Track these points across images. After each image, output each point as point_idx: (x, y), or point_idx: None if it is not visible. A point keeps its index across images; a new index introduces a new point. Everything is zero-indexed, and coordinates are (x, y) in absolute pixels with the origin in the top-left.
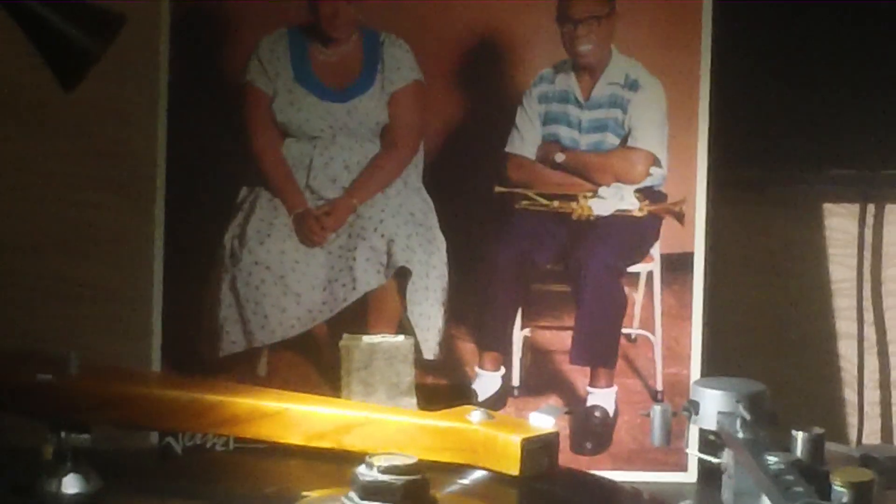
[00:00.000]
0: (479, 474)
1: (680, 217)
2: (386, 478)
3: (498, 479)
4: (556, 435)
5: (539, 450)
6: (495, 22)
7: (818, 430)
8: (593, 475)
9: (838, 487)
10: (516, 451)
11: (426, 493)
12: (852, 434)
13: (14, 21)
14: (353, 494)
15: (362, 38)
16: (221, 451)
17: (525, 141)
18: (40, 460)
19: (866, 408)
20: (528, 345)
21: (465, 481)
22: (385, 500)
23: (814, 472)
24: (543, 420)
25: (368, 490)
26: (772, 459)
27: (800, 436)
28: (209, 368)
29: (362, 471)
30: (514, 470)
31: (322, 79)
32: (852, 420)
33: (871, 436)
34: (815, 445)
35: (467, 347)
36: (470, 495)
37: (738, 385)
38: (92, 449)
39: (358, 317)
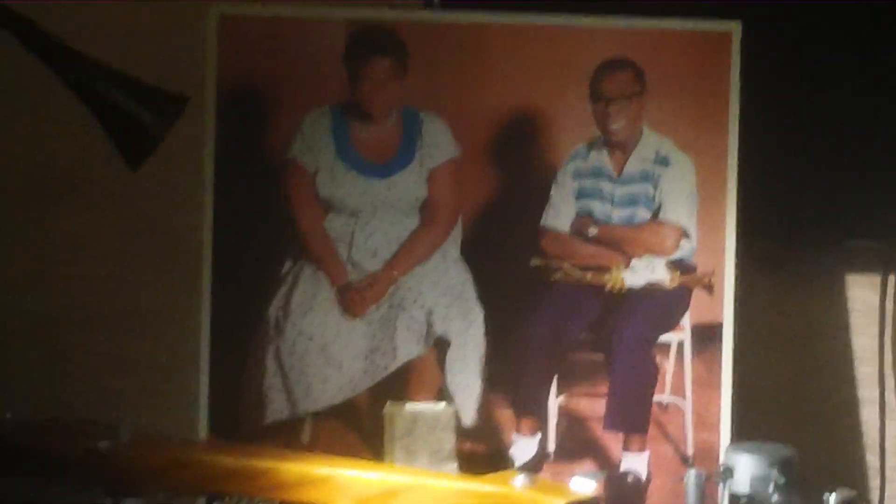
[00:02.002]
0: None
1: (709, 288)
2: None
3: None
4: (596, 499)
5: None
6: (530, 100)
7: (850, 492)
8: None
9: None
10: None
11: None
12: (874, 496)
13: (83, 103)
14: None
15: (402, 115)
16: None
17: (560, 215)
18: None
19: (888, 471)
20: (564, 412)
21: None
22: None
23: None
24: (584, 484)
25: None
26: None
27: (832, 498)
28: (254, 436)
29: None
30: None
31: (363, 155)
32: (874, 483)
33: (893, 499)
34: None
35: (504, 414)
36: None
37: (769, 449)
38: None
39: (399, 385)
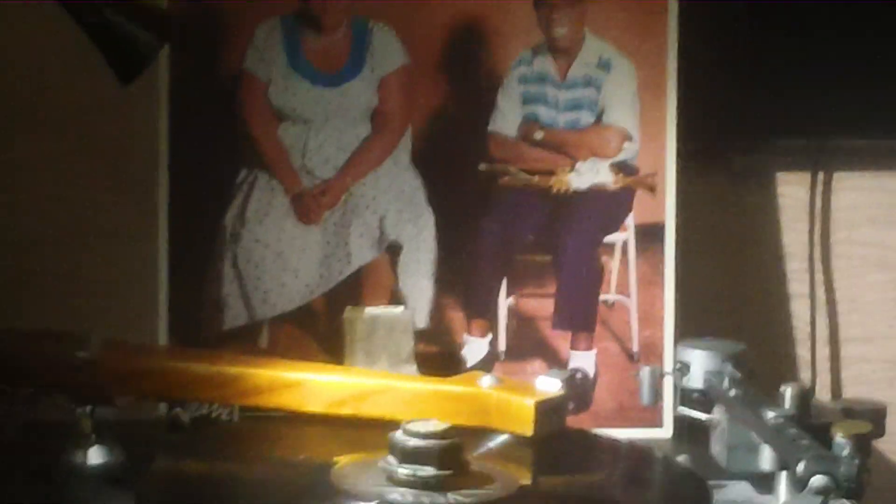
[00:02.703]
0: (501, 438)
1: (652, 189)
2: (425, 442)
3: (516, 441)
4: (563, 397)
5: (549, 411)
6: (477, 8)
7: (804, 385)
8: (597, 434)
9: (840, 439)
10: (530, 414)
11: (461, 456)
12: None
13: (73, 19)
14: (391, 459)
15: (352, 25)
16: (227, 420)
17: (506, 120)
18: (62, 434)
19: (818, 363)
20: (513, 312)
21: (490, 445)
22: (424, 464)
23: (809, 425)
24: (550, 384)
25: (408, 454)
26: (769, 415)
27: (788, 391)
28: (213, 342)
29: (400, 436)
30: (528, 431)
31: (315, 65)
32: (805, 375)
33: (823, 390)
34: (803, 400)
35: (456, 316)
36: (491, 457)
37: (721, 346)
38: (115, 421)
39: (353, 290)
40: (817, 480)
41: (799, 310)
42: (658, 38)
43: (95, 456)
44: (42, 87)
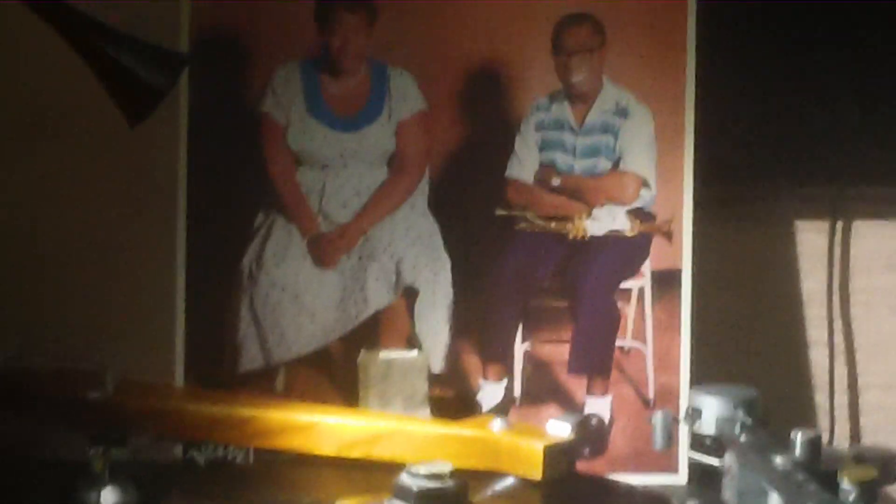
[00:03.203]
0: (508, 481)
1: (668, 235)
2: (429, 484)
3: (522, 484)
4: (573, 441)
5: (559, 455)
6: (494, 54)
7: (815, 432)
8: (607, 478)
9: (847, 485)
10: (539, 457)
11: (465, 498)
12: (825, 436)
13: (84, 61)
14: (395, 501)
15: (371, 70)
16: (242, 462)
17: (523, 166)
18: (77, 472)
19: (836, 410)
20: (529, 357)
21: (497, 487)
22: None
23: (816, 472)
24: (561, 428)
25: (412, 496)
26: (778, 460)
27: (798, 437)
28: (229, 384)
29: (405, 478)
30: (537, 474)
31: (333, 109)
32: (824, 423)
33: (842, 437)
34: (814, 446)
35: (472, 360)
36: (498, 499)
37: (733, 391)
38: (128, 461)
39: (370, 333)
40: None
41: (817, 356)
42: (676, 85)
43: (108, 496)
44: (65, 110)
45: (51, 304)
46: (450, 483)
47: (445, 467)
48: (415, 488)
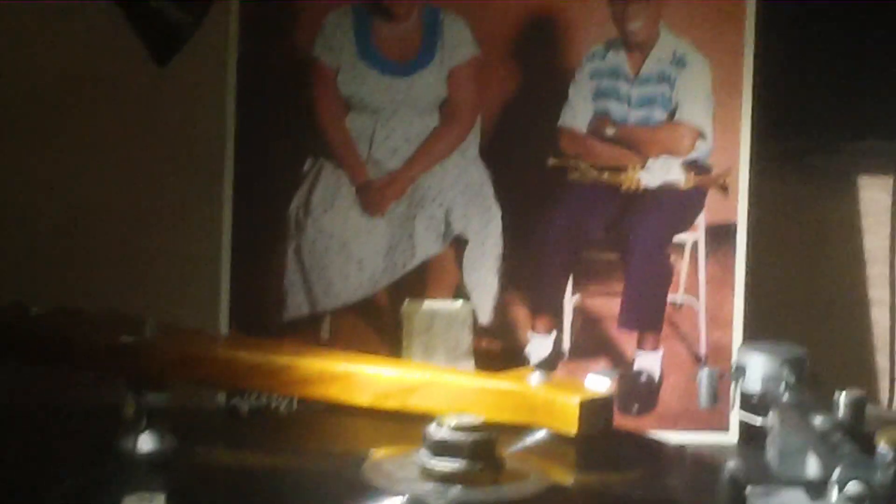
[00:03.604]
0: (539, 435)
1: (724, 189)
2: (457, 436)
3: (557, 439)
4: (611, 397)
5: (595, 411)
6: (550, 1)
7: (860, 393)
8: (645, 435)
9: (883, 447)
10: (575, 412)
11: (493, 450)
12: (884, 398)
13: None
14: (424, 451)
15: (423, 14)
16: (288, 411)
17: (577, 115)
18: (118, 419)
19: None
20: (579, 310)
21: (527, 441)
22: (455, 457)
23: (857, 433)
24: (599, 382)
25: (440, 447)
26: (817, 420)
27: (842, 398)
28: (274, 332)
29: (433, 429)
30: (572, 430)
31: (385, 54)
32: (884, 384)
33: None
34: (858, 407)
35: (521, 312)
36: (532, 453)
37: (781, 350)
38: (166, 408)
39: (417, 283)
40: (852, 487)
41: (879, 316)
42: (735, 35)
43: (145, 443)
44: (108, 68)
45: (97, 254)
46: (479, 435)
47: (476, 419)
48: (443, 440)
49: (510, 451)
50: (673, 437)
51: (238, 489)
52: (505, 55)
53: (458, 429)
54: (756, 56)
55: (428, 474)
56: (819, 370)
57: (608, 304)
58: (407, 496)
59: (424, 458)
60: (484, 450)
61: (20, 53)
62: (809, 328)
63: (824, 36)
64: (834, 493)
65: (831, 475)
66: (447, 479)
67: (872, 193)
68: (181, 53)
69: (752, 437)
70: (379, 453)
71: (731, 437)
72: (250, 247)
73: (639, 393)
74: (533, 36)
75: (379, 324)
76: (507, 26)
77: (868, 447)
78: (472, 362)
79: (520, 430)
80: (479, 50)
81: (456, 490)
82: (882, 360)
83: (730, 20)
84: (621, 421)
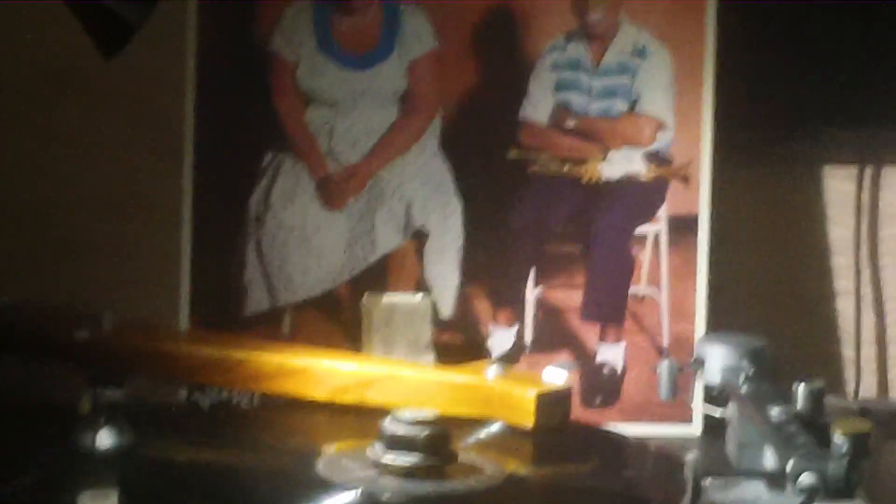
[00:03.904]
0: (494, 428)
1: (685, 180)
2: (410, 429)
3: (512, 432)
4: (568, 390)
5: (552, 403)
6: None
7: (818, 384)
8: (602, 428)
9: (838, 438)
10: (531, 405)
11: (447, 444)
12: (850, 388)
13: None
14: (378, 446)
15: (382, 7)
16: (246, 407)
17: (537, 107)
18: (75, 414)
19: (863, 363)
20: (541, 303)
21: (482, 433)
22: (408, 451)
23: (815, 424)
24: (557, 375)
25: (393, 441)
26: (774, 411)
27: (800, 389)
28: (235, 326)
29: (387, 424)
30: (529, 423)
31: (343, 47)
32: (850, 375)
33: (868, 390)
34: (816, 398)
35: (482, 306)
36: (487, 447)
37: (741, 341)
38: (124, 403)
39: (378, 277)
40: (805, 479)
41: (844, 307)
42: (696, 25)
43: (104, 438)
44: (66, 60)
45: (56, 247)
46: (432, 429)
47: (429, 413)
48: (396, 434)
49: (464, 444)
50: (636, 429)
51: (194, 484)
52: (465, 47)
53: (411, 423)
54: (717, 46)
55: (382, 468)
56: (782, 361)
57: (570, 297)
58: (360, 490)
59: (378, 452)
60: (437, 443)
61: None
62: (774, 319)
63: (785, 24)
64: (788, 486)
65: (786, 467)
66: (401, 473)
67: (836, 183)
68: (139, 46)
69: (714, 430)
70: (334, 447)
71: (695, 429)
72: (211, 241)
73: (601, 385)
74: (493, 27)
75: (340, 318)
76: (466, 18)
77: (824, 438)
78: (432, 356)
79: (478, 423)
80: (438, 42)
81: (410, 484)
82: (848, 351)
83: (690, 10)
84: (584, 414)
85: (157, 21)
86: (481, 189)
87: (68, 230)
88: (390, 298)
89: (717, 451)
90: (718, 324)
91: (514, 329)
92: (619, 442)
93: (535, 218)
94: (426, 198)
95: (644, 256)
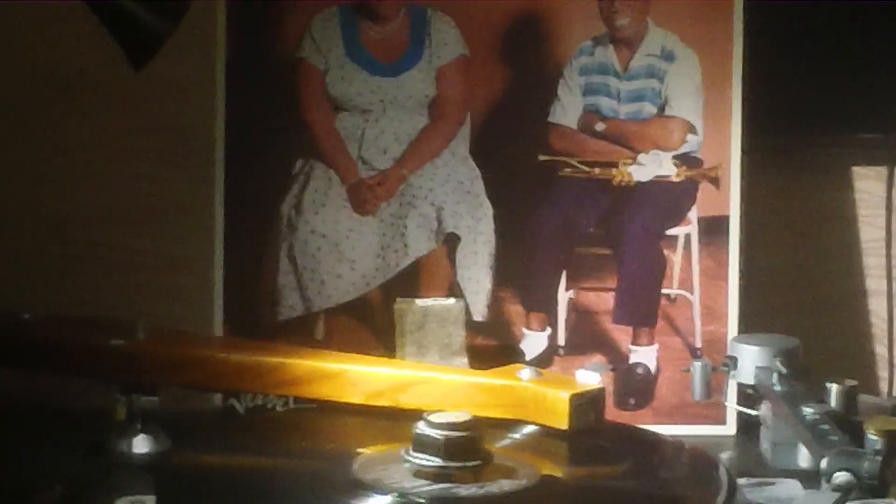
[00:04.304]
0: (529, 429)
1: (715, 182)
2: (442, 433)
3: (547, 433)
4: (601, 391)
5: (586, 405)
6: None
7: (851, 382)
8: (637, 428)
9: (872, 436)
10: (565, 407)
11: (480, 446)
12: (883, 387)
13: (85, 3)
14: (411, 449)
15: (410, 14)
16: (282, 411)
17: (567, 111)
18: (111, 422)
19: None
20: (573, 306)
21: (517, 435)
22: (441, 454)
23: (847, 422)
24: (589, 377)
25: (426, 445)
26: (808, 410)
27: (833, 388)
28: (268, 333)
29: (420, 427)
30: (563, 424)
31: (372, 54)
32: (883, 374)
33: None
34: (849, 397)
35: (514, 309)
36: (521, 449)
37: (773, 341)
38: (160, 410)
39: (410, 282)
40: (839, 477)
41: (876, 307)
42: (723, 29)
43: (140, 445)
44: (100, 64)
45: (89, 257)
46: (465, 432)
47: (462, 416)
48: (429, 437)
49: (498, 446)
50: (670, 430)
51: (230, 489)
52: (493, 53)
53: (443, 426)
54: (745, 49)
55: (415, 472)
56: (814, 361)
57: (602, 299)
58: (395, 494)
59: (411, 455)
60: (470, 446)
61: (5, 55)
62: (806, 319)
63: (813, 28)
64: (823, 484)
65: (820, 465)
66: (434, 476)
67: (867, 184)
68: (170, 56)
69: (748, 429)
70: (369, 451)
71: (729, 429)
72: (243, 248)
73: (635, 387)
74: (521, 33)
75: (373, 323)
76: (494, 24)
77: (858, 437)
78: (465, 360)
79: (512, 425)
80: (466, 48)
81: (443, 487)
82: (880, 350)
83: (717, 13)
84: (618, 416)
85: (185, 30)
86: (512, 193)
87: (99, 241)
88: (423, 303)
89: (752, 450)
90: (751, 324)
91: (547, 332)
92: (653, 442)
93: (565, 221)
94: (457, 202)
95: (675, 258)
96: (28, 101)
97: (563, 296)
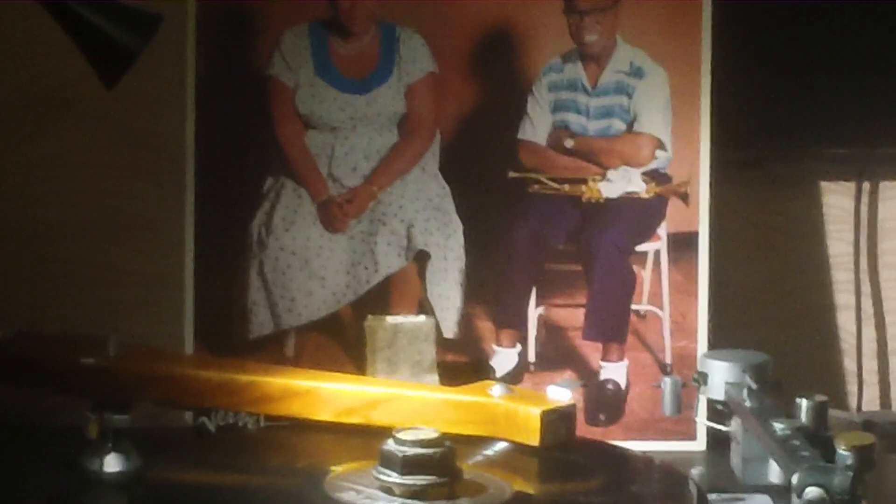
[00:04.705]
0: (501, 445)
1: (684, 197)
2: (411, 450)
3: (518, 449)
4: (572, 407)
5: (557, 421)
6: (506, 14)
7: (821, 398)
8: (608, 444)
9: (842, 451)
10: (536, 423)
11: (451, 463)
12: (852, 401)
13: (57, 22)
14: (380, 466)
15: (380, 31)
16: (253, 429)
17: (536, 128)
18: (82, 439)
19: (865, 376)
20: (543, 322)
21: (488, 452)
22: (411, 471)
23: (818, 438)
24: (560, 393)
25: (395, 462)
26: (778, 426)
27: (804, 403)
28: (240, 350)
29: (389, 445)
30: (535, 441)
31: (342, 71)
32: (852, 388)
33: (871, 403)
34: (819, 412)
35: (485, 326)
36: (493, 465)
37: (743, 356)
38: (131, 429)
39: (381, 298)
40: (811, 492)
41: (845, 321)
42: (692, 44)
43: (112, 463)
44: (71, 80)
45: (60, 272)
46: (434, 449)
47: (431, 433)
48: (399, 454)
49: (470, 463)
50: (641, 446)
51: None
52: (462, 70)
53: (406, 443)
54: (713, 63)
55: (385, 489)
56: (784, 376)
57: (573, 315)
58: None
59: (380, 472)
60: (440, 463)
61: None
62: (776, 334)
63: (782, 43)
64: (794, 499)
65: (791, 480)
66: (407, 493)
67: (835, 199)
68: (141, 73)
69: (719, 445)
70: (341, 468)
71: (700, 445)
72: (213, 266)
73: (605, 403)
74: (490, 50)
75: (344, 340)
76: (463, 41)
77: (828, 451)
78: (436, 376)
79: (484, 441)
80: (436, 65)
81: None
82: (849, 365)
83: (686, 29)
84: (589, 432)
85: (156, 47)
86: (482, 209)
87: (71, 257)
88: (393, 320)
89: (722, 466)
90: (720, 339)
91: (517, 349)
92: (624, 458)
93: (535, 237)
94: (427, 219)
95: (645, 274)
96: (0, 117)
97: (534, 312)
